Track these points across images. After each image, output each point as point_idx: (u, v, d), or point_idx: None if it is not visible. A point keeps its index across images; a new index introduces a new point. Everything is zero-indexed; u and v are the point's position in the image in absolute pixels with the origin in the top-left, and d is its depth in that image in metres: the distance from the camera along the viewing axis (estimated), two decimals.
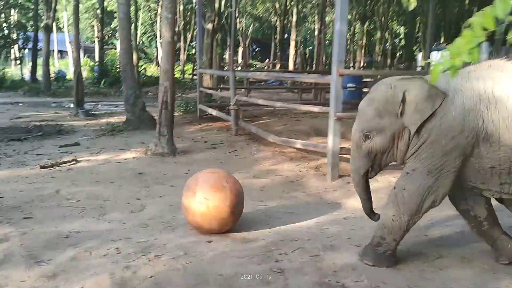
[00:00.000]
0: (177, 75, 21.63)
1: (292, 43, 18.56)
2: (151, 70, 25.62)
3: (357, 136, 3.01)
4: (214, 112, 9.88)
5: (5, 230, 3.76)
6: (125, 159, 6.82)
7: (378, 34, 24.03)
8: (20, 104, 14.33)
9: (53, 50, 27.71)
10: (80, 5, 26.74)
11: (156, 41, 30.67)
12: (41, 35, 19.09)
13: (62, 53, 37.60)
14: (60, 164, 6.37)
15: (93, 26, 39.53)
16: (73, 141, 8.49)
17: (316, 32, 14.81)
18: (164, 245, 3.39)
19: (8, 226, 3.90)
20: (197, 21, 10.56)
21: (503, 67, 2.69)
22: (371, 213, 3.26)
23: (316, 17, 25.49)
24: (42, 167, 6.18)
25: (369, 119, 2.93)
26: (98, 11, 33.78)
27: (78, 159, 6.65)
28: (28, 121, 10.73)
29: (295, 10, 19.61)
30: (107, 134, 9.15)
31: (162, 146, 6.97)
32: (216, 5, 16.83)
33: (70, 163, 6.41)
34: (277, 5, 24.89)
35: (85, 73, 26.30)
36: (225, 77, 14.04)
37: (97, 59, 32.43)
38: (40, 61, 19.20)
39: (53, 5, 16.79)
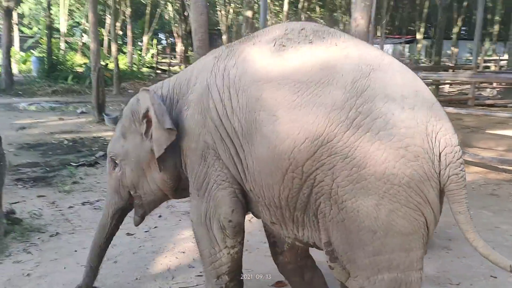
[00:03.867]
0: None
1: None
2: (77, 59, 21.46)
3: (107, 160, 2.46)
4: None
5: None
6: None
7: None
8: None
9: None
10: None
11: (82, 29, 26.94)
12: None
13: None
14: None
15: None
16: None
17: None
18: None
19: None
20: None
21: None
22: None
23: None
24: None
25: (114, 140, 2.41)
26: None
27: None
28: (46, 133, 8.14)
29: None
30: None
31: None
32: None
33: None
34: None
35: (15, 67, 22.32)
36: None
37: (17, 48, 27.98)
38: None
39: None
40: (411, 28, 34.18)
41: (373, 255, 1.74)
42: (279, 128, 1.81)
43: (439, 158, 1.69)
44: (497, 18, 22.60)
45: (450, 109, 6.28)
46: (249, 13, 10.38)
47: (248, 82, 1.94)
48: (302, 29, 2.00)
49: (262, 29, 2.17)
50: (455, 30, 24.86)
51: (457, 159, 1.70)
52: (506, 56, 18.56)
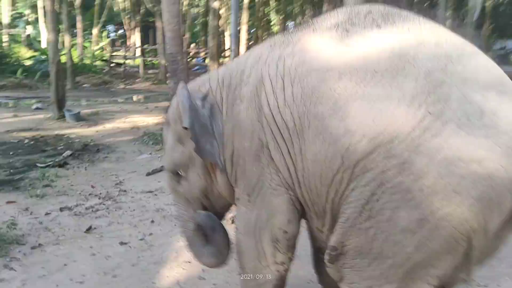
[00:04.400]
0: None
1: None
2: (23, 53, 20.00)
3: (168, 177, 2.24)
4: None
5: None
6: None
7: None
8: None
9: None
10: None
11: (25, 20, 25.51)
12: None
13: None
14: None
15: None
16: (128, 161, 5.96)
17: None
18: None
19: None
20: None
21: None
22: None
23: None
24: None
25: (169, 150, 2.15)
26: None
27: None
28: (2, 132, 7.51)
29: None
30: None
31: None
32: None
33: None
34: None
35: None
36: None
37: None
38: None
39: None
40: None
41: (388, 268, 1.55)
42: (336, 124, 1.56)
43: None
44: (449, 13, 23.34)
45: None
46: (216, 4, 10.07)
47: (305, 71, 1.69)
48: (368, 13, 1.75)
49: (323, 14, 1.91)
50: None
51: None
52: None
